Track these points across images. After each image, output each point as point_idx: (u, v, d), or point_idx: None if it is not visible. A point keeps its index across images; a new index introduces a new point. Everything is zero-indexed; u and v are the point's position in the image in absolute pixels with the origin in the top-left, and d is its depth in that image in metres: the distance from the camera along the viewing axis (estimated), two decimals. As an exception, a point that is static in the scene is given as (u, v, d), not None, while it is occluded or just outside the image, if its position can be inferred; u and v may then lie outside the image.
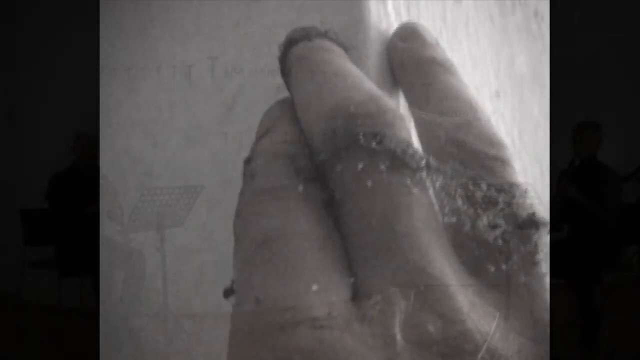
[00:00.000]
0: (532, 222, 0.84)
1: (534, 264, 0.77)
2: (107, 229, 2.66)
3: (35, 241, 3.24)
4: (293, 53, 1.24)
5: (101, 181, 2.55)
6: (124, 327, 2.70)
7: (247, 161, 1.09)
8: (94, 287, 2.80)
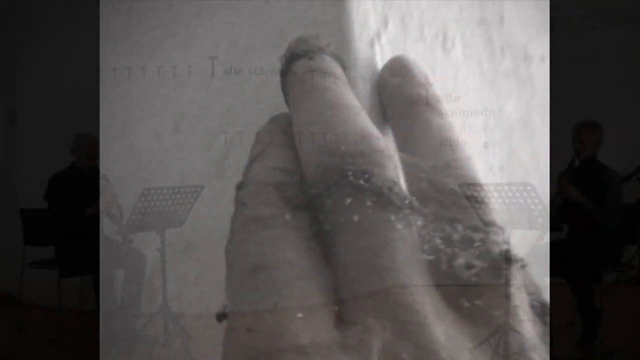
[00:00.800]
0: (504, 259, 0.88)
1: (507, 297, 0.83)
2: (107, 229, 2.66)
3: (35, 241, 3.23)
4: (294, 71, 1.27)
5: (100, 181, 2.55)
6: (124, 327, 2.72)
7: (239, 187, 1.12)
8: (94, 287, 2.79)
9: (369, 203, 1.37)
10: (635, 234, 3.07)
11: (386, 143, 1.78)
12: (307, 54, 1.83)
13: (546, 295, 2.21)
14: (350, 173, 1.38)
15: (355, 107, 1.57)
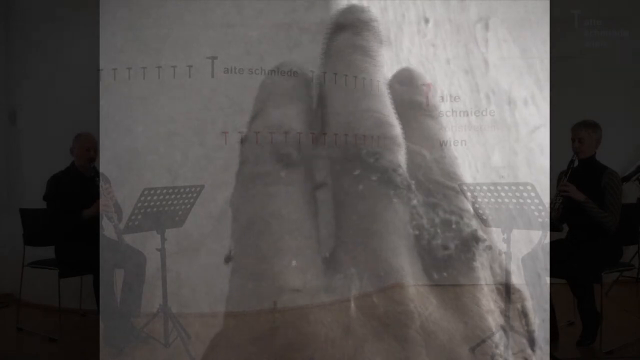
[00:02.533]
0: (472, 237, 1.35)
1: (471, 269, 1.19)
2: (107, 229, 2.67)
3: (35, 241, 3.23)
4: (337, 41, 1.61)
5: (99, 184, 2.55)
6: (124, 327, 2.73)
7: (242, 141, 1.45)
8: (94, 287, 2.79)
9: (374, 178, 1.78)
10: (635, 234, 3.07)
11: (399, 132, 2.05)
12: (353, 27, 2.13)
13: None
14: (364, 151, 1.80)
15: (382, 95, 1.99)
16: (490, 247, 2.05)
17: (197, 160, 3.30)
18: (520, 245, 2.70)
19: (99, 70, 3.30)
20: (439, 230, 1.94)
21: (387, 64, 2.31)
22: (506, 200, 2.39)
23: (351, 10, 2.17)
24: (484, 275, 2.10)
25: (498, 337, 2.50)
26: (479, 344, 2.61)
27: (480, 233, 2.01)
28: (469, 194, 2.52)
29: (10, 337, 3.10)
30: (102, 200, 2.74)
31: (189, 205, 2.78)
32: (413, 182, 2.04)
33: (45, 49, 3.69)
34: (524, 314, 2.28)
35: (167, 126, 3.33)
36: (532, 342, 2.30)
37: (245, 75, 3.44)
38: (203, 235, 3.29)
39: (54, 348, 2.88)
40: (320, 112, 2.17)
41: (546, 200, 2.54)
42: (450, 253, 1.96)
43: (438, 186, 2.07)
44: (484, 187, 2.44)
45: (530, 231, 2.51)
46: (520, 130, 2.93)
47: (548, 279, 2.71)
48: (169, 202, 2.65)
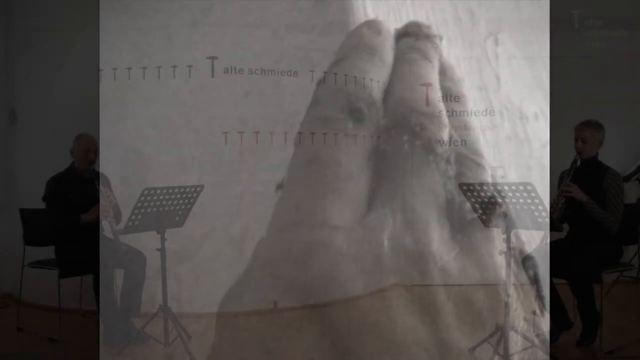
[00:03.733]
0: (491, 202, 1.97)
1: (487, 225, 2.05)
2: (108, 229, 2.67)
3: (35, 241, 3.23)
4: (400, 44, 2.29)
5: (99, 187, 2.56)
6: (124, 327, 2.73)
7: (319, 83, 1.93)
8: (94, 287, 2.79)
9: (417, 143, 2.39)
10: (635, 234, 3.07)
11: (442, 114, 2.62)
12: (414, 35, 2.74)
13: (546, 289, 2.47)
14: (412, 121, 2.37)
15: (433, 85, 2.62)
16: (505, 215, 2.31)
17: (198, 160, 3.29)
18: (520, 245, 2.70)
19: (99, 70, 3.30)
20: (465, 198, 2.33)
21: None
22: (506, 200, 2.39)
23: (416, 24, 2.78)
24: (499, 243, 2.47)
25: (498, 337, 2.50)
26: (479, 344, 2.61)
27: (498, 198, 2.33)
28: (468, 193, 2.52)
29: (10, 337, 3.10)
30: (101, 205, 2.73)
31: (189, 205, 2.78)
32: (452, 154, 2.57)
33: (45, 49, 3.69)
34: (535, 280, 2.59)
35: (167, 126, 3.33)
36: (542, 309, 2.60)
37: (245, 75, 3.44)
38: (204, 234, 3.29)
39: (54, 348, 2.88)
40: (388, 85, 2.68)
41: (546, 200, 2.54)
42: (475, 217, 2.40)
43: (463, 158, 2.52)
44: (484, 187, 2.45)
45: (531, 231, 2.51)
46: (533, 145, 3.13)
47: (548, 279, 2.71)
48: (169, 202, 2.65)
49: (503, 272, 2.37)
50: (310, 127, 2.55)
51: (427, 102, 2.55)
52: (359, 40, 2.76)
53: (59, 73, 3.62)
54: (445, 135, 2.59)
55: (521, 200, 2.34)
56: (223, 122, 3.26)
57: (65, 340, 2.92)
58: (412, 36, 2.84)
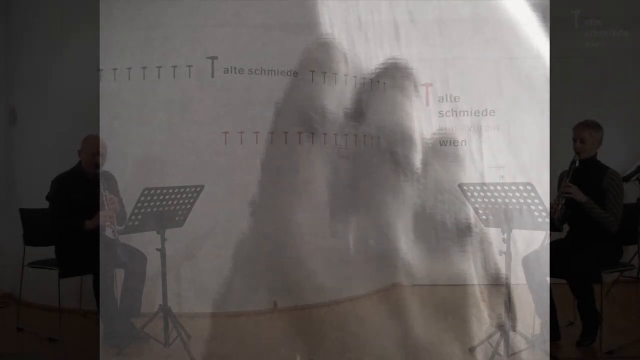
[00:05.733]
0: (467, 228, 2.67)
1: (463, 254, 2.67)
2: (108, 230, 2.67)
3: (35, 241, 3.22)
4: (382, 81, 3.25)
5: (105, 192, 2.57)
6: (124, 327, 2.74)
7: (276, 103, 2.93)
8: (94, 287, 2.79)
9: (388, 161, 2.95)
10: (635, 234, 3.07)
11: (415, 140, 3.07)
12: (393, 74, 3.20)
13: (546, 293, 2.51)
14: (383, 141, 2.94)
15: (409, 115, 3.10)
16: (505, 215, 2.37)
17: (198, 160, 3.29)
18: (520, 246, 2.71)
19: (99, 70, 3.30)
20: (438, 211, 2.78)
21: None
22: (506, 200, 2.39)
23: (394, 65, 3.22)
24: (473, 265, 2.85)
25: (497, 337, 2.50)
26: (479, 344, 2.61)
27: (499, 200, 2.38)
28: (469, 193, 2.52)
29: (10, 337, 3.10)
30: (105, 212, 2.72)
31: (189, 205, 2.77)
32: (420, 174, 3.02)
33: (45, 49, 3.68)
34: (509, 308, 2.56)
35: (167, 126, 3.33)
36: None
37: (245, 75, 3.44)
38: (204, 234, 3.28)
39: (54, 348, 2.88)
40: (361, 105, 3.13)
41: (546, 200, 2.54)
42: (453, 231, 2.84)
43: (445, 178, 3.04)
44: (484, 187, 2.45)
45: (531, 231, 2.51)
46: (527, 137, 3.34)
47: (548, 279, 2.71)
48: (169, 202, 2.65)
49: (473, 275, 2.51)
50: (273, 144, 2.97)
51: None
52: (309, 57, 3.11)
53: (59, 73, 3.61)
54: (415, 152, 3.03)
55: (521, 201, 2.35)
56: (223, 122, 3.26)
57: (65, 340, 2.92)
58: (390, 75, 3.27)
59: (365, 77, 3.19)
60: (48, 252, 3.06)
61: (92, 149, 2.90)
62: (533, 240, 2.76)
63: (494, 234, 2.69)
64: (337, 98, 3.05)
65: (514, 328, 2.46)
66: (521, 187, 2.32)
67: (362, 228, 2.92)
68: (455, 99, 3.50)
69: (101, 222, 2.74)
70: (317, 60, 3.08)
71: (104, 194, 2.74)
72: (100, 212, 2.74)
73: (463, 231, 2.87)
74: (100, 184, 2.76)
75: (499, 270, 2.50)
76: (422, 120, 3.22)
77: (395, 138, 3.12)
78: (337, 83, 3.07)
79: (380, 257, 2.95)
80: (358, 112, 3.02)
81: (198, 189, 2.69)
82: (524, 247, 2.73)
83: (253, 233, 2.99)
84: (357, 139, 3.03)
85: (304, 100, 2.99)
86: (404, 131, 3.10)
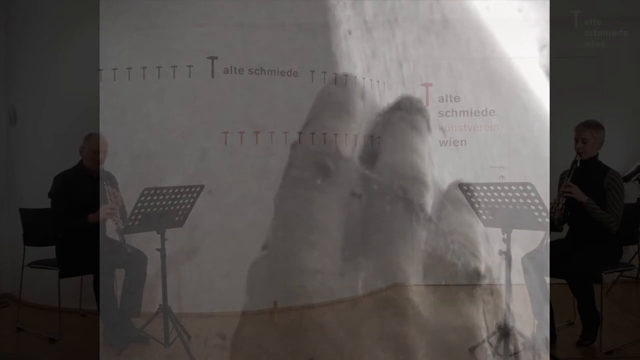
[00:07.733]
0: (475, 272, 2.86)
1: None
2: (108, 229, 2.68)
3: (35, 241, 3.22)
4: (394, 117, 2.69)
5: (106, 188, 2.57)
6: (124, 327, 2.74)
7: (293, 146, 2.25)
8: (94, 287, 2.79)
9: (400, 205, 2.80)
10: (635, 234, 3.07)
11: (427, 180, 2.95)
12: (407, 110, 3.11)
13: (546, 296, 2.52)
14: (396, 185, 2.75)
15: (422, 154, 2.91)
16: (505, 215, 2.31)
17: (198, 160, 3.29)
18: (520, 246, 2.70)
19: (99, 70, 3.30)
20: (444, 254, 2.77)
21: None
22: (506, 200, 2.39)
23: (409, 99, 3.14)
24: (480, 310, 2.86)
25: (497, 337, 2.51)
26: (479, 344, 2.61)
27: (499, 200, 2.34)
28: (469, 193, 2.52)
29: (10, 337, 3.10)
30: (109, 205, 2.72)
31: (189, 205, 2.78)
32: (433, 216, 2.97)
33: (45, 49, 3.69)
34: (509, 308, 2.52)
35: (167, 126, 3.33)
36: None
37: (245, 75, 3.44)
38: (204, 234, 3.29)
39: (54, 348, 2.88)
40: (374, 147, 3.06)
41: (546, 200, 2.54)
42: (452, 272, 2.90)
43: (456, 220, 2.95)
44: (484, 187, 2.45)
45: (531, 231, 2.51)
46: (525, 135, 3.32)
47: (548, 279, 2.71)
48: (169, 202, 2.65)
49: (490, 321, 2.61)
50: (287, 188, 2.87)
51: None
52: (326, 99, 3.02)
53: (59, 73, 3.62)
54: (428, 197, 2.99)
55: (521, 200, 2.34)
56: (223, 122, 3.27)
57: (65, 340, 2.92)
58: (404, 110, 3.20)
59: (380, 114, 3.16)
60: (48, 252, 3.06)
61: (94, 146, 2.90)
62: (533, 240, 2.76)
63: (494, 234, 2.69)
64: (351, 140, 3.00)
65: (513, 328, 2.45)
66: (521, 187, 2.32)
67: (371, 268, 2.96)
68: (455, 99, 3.50)
69: (103, 215, 2.74)
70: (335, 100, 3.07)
71: (107, 189, 2.74)
72: (104, 205, 2.74)
73: (472, 277, 2.80)
74: (103, 180, 2.77)
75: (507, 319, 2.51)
76: (434, 160, 3.20)
77: (408, 182, 3.08)
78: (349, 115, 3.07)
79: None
80: (372, 155, 3.02)
81: (198, 189, 2.69)
82: (524, 247, 2.73)
83: (255, 233, 3.00)
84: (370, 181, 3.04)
85: (321, 146, 2.91)
86: (416, 176, 3.06)
